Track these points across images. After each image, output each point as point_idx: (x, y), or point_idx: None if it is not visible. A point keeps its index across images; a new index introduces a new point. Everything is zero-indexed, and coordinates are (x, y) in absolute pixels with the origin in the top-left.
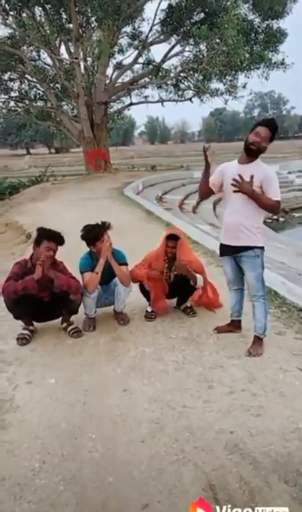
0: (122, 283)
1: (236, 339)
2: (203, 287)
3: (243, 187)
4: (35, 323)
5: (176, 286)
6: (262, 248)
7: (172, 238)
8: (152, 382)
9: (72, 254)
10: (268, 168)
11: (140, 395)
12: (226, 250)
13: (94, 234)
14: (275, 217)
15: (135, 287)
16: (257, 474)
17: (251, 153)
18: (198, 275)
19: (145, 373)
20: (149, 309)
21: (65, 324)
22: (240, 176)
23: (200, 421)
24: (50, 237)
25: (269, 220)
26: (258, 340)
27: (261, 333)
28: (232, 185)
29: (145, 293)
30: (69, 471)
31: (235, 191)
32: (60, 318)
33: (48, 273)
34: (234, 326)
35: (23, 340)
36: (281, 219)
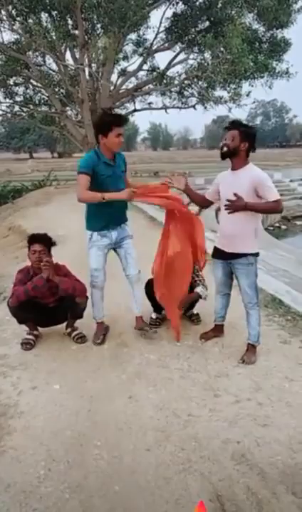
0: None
1: (242, 348)
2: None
3: (235, 207)
4: (40, 329)
5: None
6: (256, 255)
7: None
8: (158, 390)
9: (75, 259)
10: (259, 171)
11: (146, 403)
12: (220, 254)
13: (107, 121)
14: (277, 224)
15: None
16: (265, 485)
17: (225, 155)
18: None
19: (150, 381)
20: (154, 316)
21: (69, 329)
22: (229, 200)
23: (206, 430)
24: (32, 240)
25: (271, 228)
26: (252, 348)
27: (255, 341)
28: (226, 208)
29: (151, 298)
30: (75, 478)
31: (230, 212)
32: (65, 324)
33: (52, 278)
34: (218, 330)
35: (27, 345)
36: (283, 227)
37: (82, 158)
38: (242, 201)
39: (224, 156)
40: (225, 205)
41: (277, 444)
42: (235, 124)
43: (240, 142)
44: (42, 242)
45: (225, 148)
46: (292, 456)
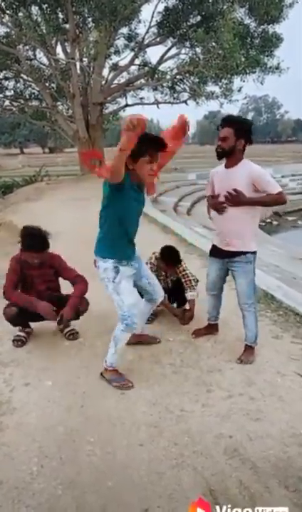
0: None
1: (234, 343)
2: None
3: (235, 202)
4: (32, 325)
5: (174, 292)
6: (255, 253)
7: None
8: (150, 386)
9: (67, 254)
10: (255, 166)
11: (138, 398)
12: (217, 252)
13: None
14: (269, 220)
15: None
16: (257, 479)
17: (221, 155)
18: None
19: (143, 376)
20: None
21: (61, 326)
22: (229, 193)
23: (199, 425)
24: (29, 248)
25: (263, 223)
26: (249, 349)
27: (252, 342)
28: (226, 199)
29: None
30: (67, 475)
31: (230, 205)
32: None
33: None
34: (213, 328)
35: (19, 342)
36: (275, 222)
37: None
38: (243, 196)
39: (220, 157)
40: (225, 196)
41: (269, 438)
42: (228, 121)
43: (235, 140)
44: (38, 250)
45: (220, 150)
46: (284, 449)
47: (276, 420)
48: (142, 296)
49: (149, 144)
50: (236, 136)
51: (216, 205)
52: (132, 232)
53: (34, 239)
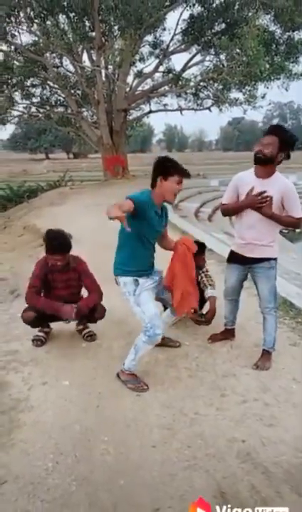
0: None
1: (250, 349)
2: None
3: (264, 210)
4: (51, 325)
5: None
6: (276, 259)
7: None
8: (165, 389)
9: (89, 259)
10: (288, 183)
11: (153, 401)
12: (237, 258)
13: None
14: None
15: None
16: (269, 484)
17: (259, 161)
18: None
19: (158, 379)
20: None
21: (81, 326)
22: (259, 194)
23: (212, 428)
24: (53, 250)
25: (285, 231)
26: (266, 354)
27: (270, 347)
28: (259, 200)
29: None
30: (81, 472)
31: (256, 208)
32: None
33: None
34: (229, 333)
35: (38, 342)
36: (298, 230)
37: (137, 192)
38: (270, 210)
39: (257, 163)
40: (258, 200)
41: (282, 444)
42: (276, 129)
43: (278, 151)
44: (63, 252)
45: (260, 154)
46: (297, 455)
47: (290, 426)
48: (165, 308)
49: (181, 169)
50: (280, 146)
51: (255, 201)
52: (150, 249)
53: (57, 241)
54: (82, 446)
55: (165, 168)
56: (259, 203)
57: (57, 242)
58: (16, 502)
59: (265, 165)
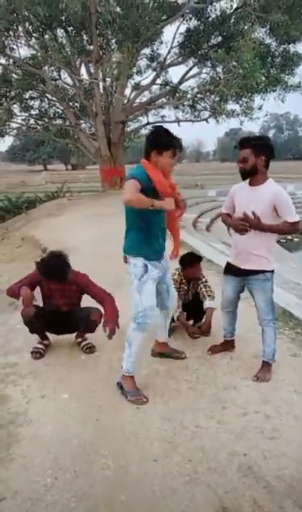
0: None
1: (250, 360)
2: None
3: (252, 226)
4: (50, 337)
5: (192, 307)
6: (272, 271)
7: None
8: (165, 401)
9: (87, 270)
10: (279, 189)
11: (153, 413)
12: (233, 270)
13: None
14: (289, 237)
15: None
16: (271, 499)
17: (245, 176)
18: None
19: (158, 391)
20: None
21: (79, 339)
22: (245, 214)
23: (213, 442)
24: (48, 276)
25: (283, 240)
26: (266, 366)
27: (270, 359)
28: (241, 226)
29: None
30: (81, 487)
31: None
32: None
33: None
34: (229, 345)
35: (37, 354)
36: (296, 239)
37: (133, 169)
38: (259, 223)
39: (244, 178)
40: (241, 219)
41: (284, 457)
42: (243, 143)
43: (255, 159)
44: (59, 279)
45: (242, 171)
46: (300, 469)
47: (292, 439)
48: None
49: (176, 143)
50: (254, 154)
51: (237, 226)
52: (158, 230)
53: (53, 271)
54: (82, 461)
55: (160, 144)
56: (240, 230)
57: (51, 272)
58: None
59: (252, 176)
